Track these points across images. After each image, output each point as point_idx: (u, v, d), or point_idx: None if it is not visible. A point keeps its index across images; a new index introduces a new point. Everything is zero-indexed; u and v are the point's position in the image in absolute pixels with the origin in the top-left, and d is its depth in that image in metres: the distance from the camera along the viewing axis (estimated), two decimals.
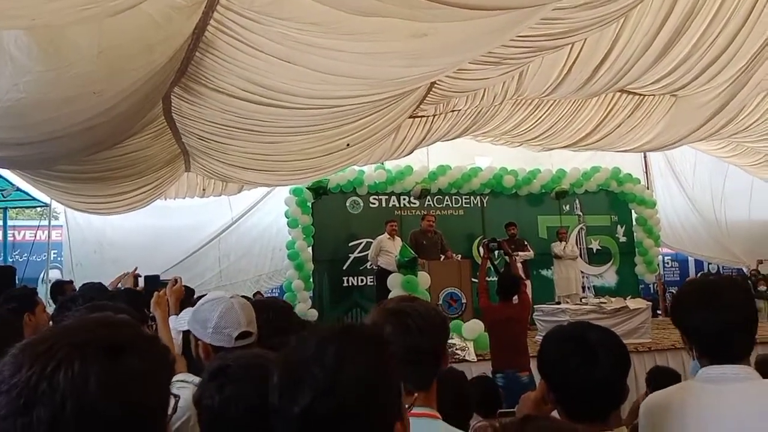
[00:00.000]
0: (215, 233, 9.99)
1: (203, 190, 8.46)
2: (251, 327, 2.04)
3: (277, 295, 10.16)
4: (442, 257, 8.65)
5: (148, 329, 3.28)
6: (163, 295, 2.93)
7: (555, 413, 1.55)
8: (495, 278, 8.91)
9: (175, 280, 3.09)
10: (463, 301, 7.90)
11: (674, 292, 12.99)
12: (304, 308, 9.01)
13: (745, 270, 12.50)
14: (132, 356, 0.80)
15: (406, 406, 1.52)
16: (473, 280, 8.63)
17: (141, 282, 5.11)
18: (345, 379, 0.99)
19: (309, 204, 9.74)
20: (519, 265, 9.40)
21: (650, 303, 8.71)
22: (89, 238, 9.09)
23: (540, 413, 1.51)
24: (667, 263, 15.42)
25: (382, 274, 8.20)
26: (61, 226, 9.25)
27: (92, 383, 0.75)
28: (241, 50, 3.62)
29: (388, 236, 8.67)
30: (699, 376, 1.67)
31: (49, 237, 9.02)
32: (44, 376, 0.75)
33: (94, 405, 0.75)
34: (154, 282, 3.27)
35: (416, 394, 1.52)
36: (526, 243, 9.75)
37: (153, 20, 2.82)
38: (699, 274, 13.22)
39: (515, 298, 5.83)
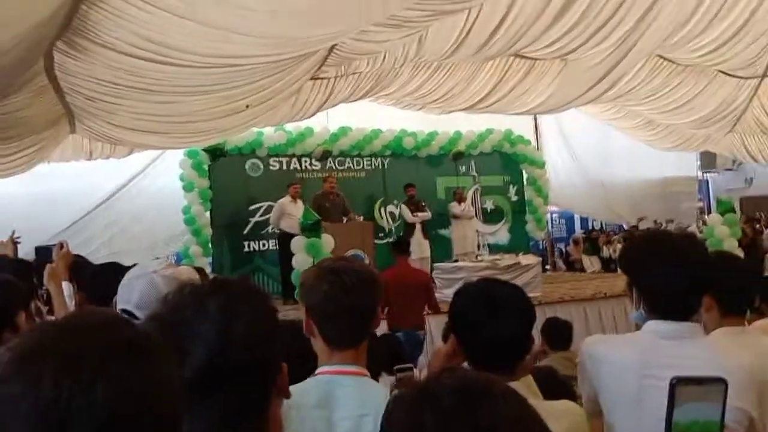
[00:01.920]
0: (102, 199, 9.45)
1: (90, 152, 7.94)
2: (150, 309, 1.90)
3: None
4: (345, 219, 8.69)
5: (38, 300, 3.09)
6: (56, 266, 2.78)
7: (465, 365, 1.63)
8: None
9: (62, 245, 2.94)
10: (367, 262, 8.00)
11: (562, 248, 13.85)
12: None
13: (625, 226, 13.47)
14: (157, 355, 0.71)
15: (331, 362, 1.57)
16: (375, 241, 8.79)
17: (21, 249, 4.79)
18: (237, 334, 0.96)
19: (205, 167, 9.41)
20: (418, 225, 9.66)
21: (540, 259, 9.24)
22: None
23: (451, 366, 1.59)
24: (555, 221, 16.36)
25: (285, 238, 8.13)
26: None
27: (136, 390, 0.65)
28: (132, 3, 3.41)
29: (291, 199, 8.58)
30: (650, 329, 1.64)
31: None
32: (80, 389, 0.62)
33: (140, 412, 0.65)
34: (45, 253, 3.08)
35: (340, 352, 1.55)
36: (424, 204, 9.97)
37: None
38: (584, 231, 14.11)
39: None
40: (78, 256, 3.60)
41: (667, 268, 1.60)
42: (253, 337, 0.98)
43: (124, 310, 1.83)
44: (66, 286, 2.75)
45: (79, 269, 3.18)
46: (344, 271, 1.55)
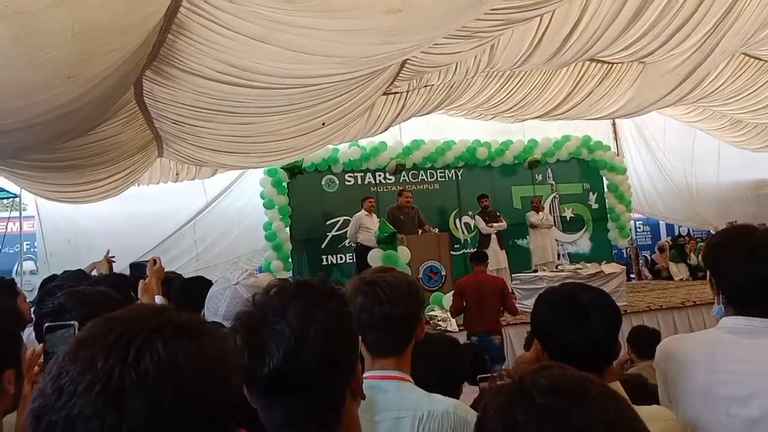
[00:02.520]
0: (190, 217, 9.91)
1: (176, 174, 8.38)
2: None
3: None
4: (420, 231, 8.72)
5: None
6: (149, 281, 2.93)
7: None
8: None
9: (154, 261, 3.08)
10: (443, 273, 8.00)
11: (647, 255, 13.34)
12: None
13: (713, 232, 12.82)
14: (207, 339, 0.74)
15: (373, 368, 1.60)
16: (451, 252, 8.76)
17: (116, 267, 5.05)
18: (312, 336, 1.00)
19: (284, 184, 9.72)
20: (493, 236, 9.57)
21: (624, 267, 8.93)
22: (62, 228, 8.95)
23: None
24: (639, 228, 15.76)
25: (362, 251, 8.25)
26: (32, 216, 9.08)
27: (182, 363, 0.69)
28: (214, 31, 3.58)
29: (366, 213, 8.71)
30: (723, 326, 1.61)
31: (21, 228, 8.86)
32: (128, 364, 0.67)
33: (188, 388, 0.68)
34: (139, 269, 3.25)
35: (381, 359, 1.60)
36: (498, 214, 9.87)
37: (126, 2, 2.78)
38: (670, 238, 13.52)
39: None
40: (170, 271, 3.80)
41: (745, 261, 1.56)
42: (328, 339, 1.02)
43: (213, 323, 1.92)
44: (159, 300, 2.90)
45: (170, 283, 3.36)
46: (380, 283, 1.59)
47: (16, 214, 9.00)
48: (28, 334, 2.26)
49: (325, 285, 1.13)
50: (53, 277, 4.66)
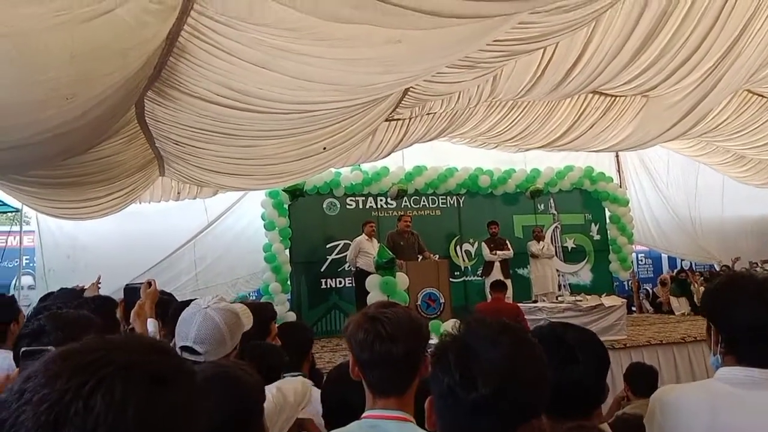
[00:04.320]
0: (190, 237, 9.90)
1: (178, 193, 8.40)
2: (208, 342, 1.95)
3: (255, 298, 10.11)
4: (420, 257, 8.69)
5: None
6: (142, 304, 2.90)
7: None
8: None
9: (149, 283, 3.05)
10: (441, 301, 7.95)
11: (648, 289, 13.25)
12: (282, 311, 8.98)
13: (716, 266, 12.76)
14: (174, 390, 0.73)
15: (375, 407, 1.57)
16: (451, 280, 8.72)
17: (114, 285, 5.03)
18: (523, 376, 1.11)
19: (285, 206, 9.71)
20: (497, 264, 9.53)
21: (625, 300, 8.86)
22: (62, 243, 8.95)
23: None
24: (641, 260, 15.69)
25: (361, 276, 8.22)
26: (33, 231, 9.09)
27: (131, 412, 0.68)
28: (215, 55, 3.60)
29: (367, 237, 8.69)
30: (722, 376, 1.59)
31: (20, 243, 8.87)
32: (81, 395, 0.67)
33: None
34: (134, 292, 3.22)
35: (382, 398, 1.56)
36: (506, 242, 9.83)
37: (127, 25, 2.80)
38: (674, 271, 13.44)
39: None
40: (164, 292, 3.77)
41: (745, 310, 1.54)
42: (536, 379, 1.15)
43: (183, 347, 1.90)
44: (151, 323, 2.87)
45: (165, 305, 3.33)
46: (383, 320, 1.55)
47: (17, 228, 9.02)
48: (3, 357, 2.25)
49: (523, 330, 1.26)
50: (49, 295, 4.65)
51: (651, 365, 4.84)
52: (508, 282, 9.45)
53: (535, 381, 1.13)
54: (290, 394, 2.10)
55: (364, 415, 1.57)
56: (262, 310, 2.78)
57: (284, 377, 2.32)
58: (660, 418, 1.64)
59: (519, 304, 8.50)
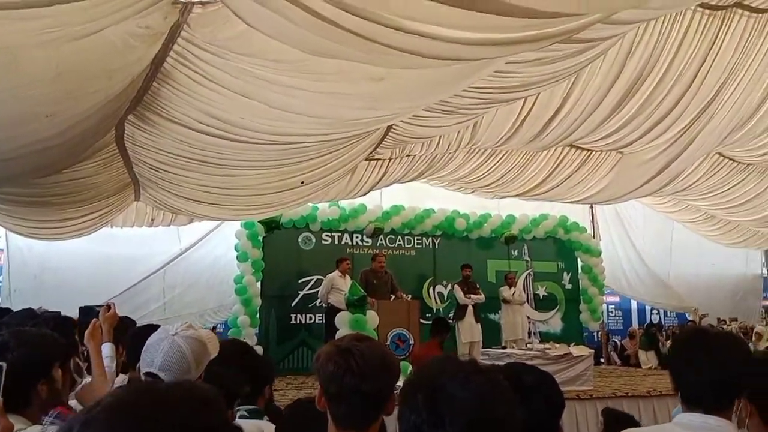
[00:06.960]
0: (161, 264, 9.75)
1: (152, 219, 8.30)
2: (173, 371, 1.92)
3: (221, 331, 9.94)
4: (392, 297, 8.66)
5: (78, 357, 3.16)
6: (98, 326, 2.86)
7: None
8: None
9: (108, 307, 3.01)
10: (411, 342, 7.90)
11: (617, 341, 13.33)
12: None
13: (688, 316, 12.91)
14: None
15: None
16: (421, 321, 8.68)
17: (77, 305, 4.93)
18: (492, 416, 1.12)
19: (260, 238, 9.62)
20: (470, 308, 9.51)
21: (593, 351, 8.89)
22: (30, 262, 8.75)
23: None
24: (611, 312, 15.80)
25: (332, 312, 8.15)
26: (2, 249, 8.90)
27: None
28: (199, 82, 3.64)
29: (340, 274, 8.64)
30: (680, 422, 1.66)
31: None
32: None
33: None
34: (88, 313, 3.17)
35: None
36: (477, 287, 9.85)
37: (113, 46, 2.82)
38: (644, 326, 13.57)
39: None
40: (125, 317, 3.70)
41: (699, 361, 1.63)
42: (508, 419, 1.16)
43: (148, 374, 1.87)
44: (107, 347, 2.83)
45: (125, 329, 3.27)
46: (355, 354, 1.53)
47: None
48: None
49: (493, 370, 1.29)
50: (5, 312, 4.54)
51: (628, 413, 4.82)
52: (478, 326, 9.43)
53: (503, 422, 1.13)
54: None
55: None
56: (259, 369, 2.56)
57: (239, 409, 2.27)
58: None
59: (490, 350, 8.50)
